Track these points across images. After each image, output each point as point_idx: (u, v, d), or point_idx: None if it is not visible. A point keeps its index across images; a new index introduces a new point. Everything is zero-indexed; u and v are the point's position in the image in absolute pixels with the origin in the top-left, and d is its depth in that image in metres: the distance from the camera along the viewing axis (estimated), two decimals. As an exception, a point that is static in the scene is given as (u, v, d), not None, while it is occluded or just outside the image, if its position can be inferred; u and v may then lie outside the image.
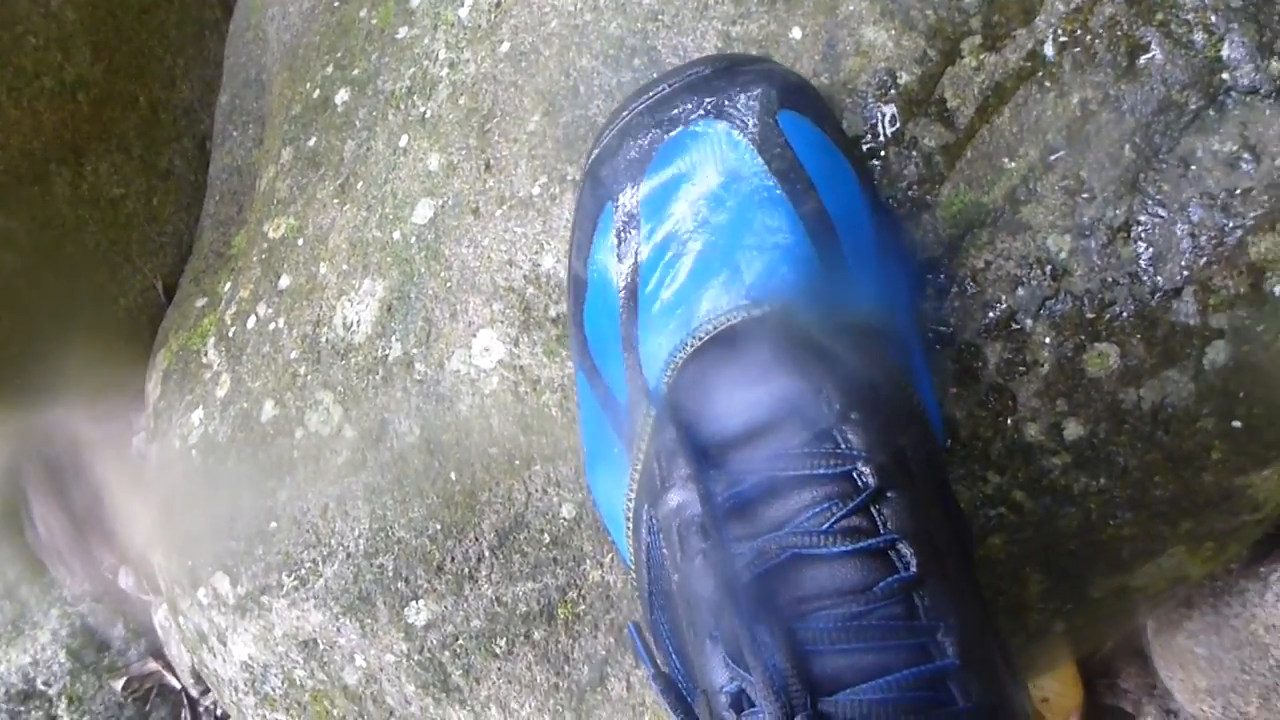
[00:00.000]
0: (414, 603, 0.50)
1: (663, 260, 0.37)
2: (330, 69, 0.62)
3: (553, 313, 0.48)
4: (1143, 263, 0.41)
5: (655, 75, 0.42)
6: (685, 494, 0.35)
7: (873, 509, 0.33)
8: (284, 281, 0.58)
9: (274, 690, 0.55)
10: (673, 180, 0.38)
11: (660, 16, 0.47)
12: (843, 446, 0.33)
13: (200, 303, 0.65)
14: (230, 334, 0.60)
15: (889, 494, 0.34)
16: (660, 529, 0.37)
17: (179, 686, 1.21)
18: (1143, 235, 0.42)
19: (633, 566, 0.40)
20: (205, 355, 0.61)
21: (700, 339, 0.36)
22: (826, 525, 0.33)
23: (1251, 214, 0.41)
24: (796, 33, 0.44)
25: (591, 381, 0.41)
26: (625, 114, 0.40)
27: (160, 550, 0.60)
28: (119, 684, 1.23)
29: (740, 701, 0.33)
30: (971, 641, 0.33)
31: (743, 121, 0.37)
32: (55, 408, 0.67)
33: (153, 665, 1.25)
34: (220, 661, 0.56)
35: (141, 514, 0.67)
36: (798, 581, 0.33)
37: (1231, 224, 0.41)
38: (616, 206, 0.39)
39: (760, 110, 0.37)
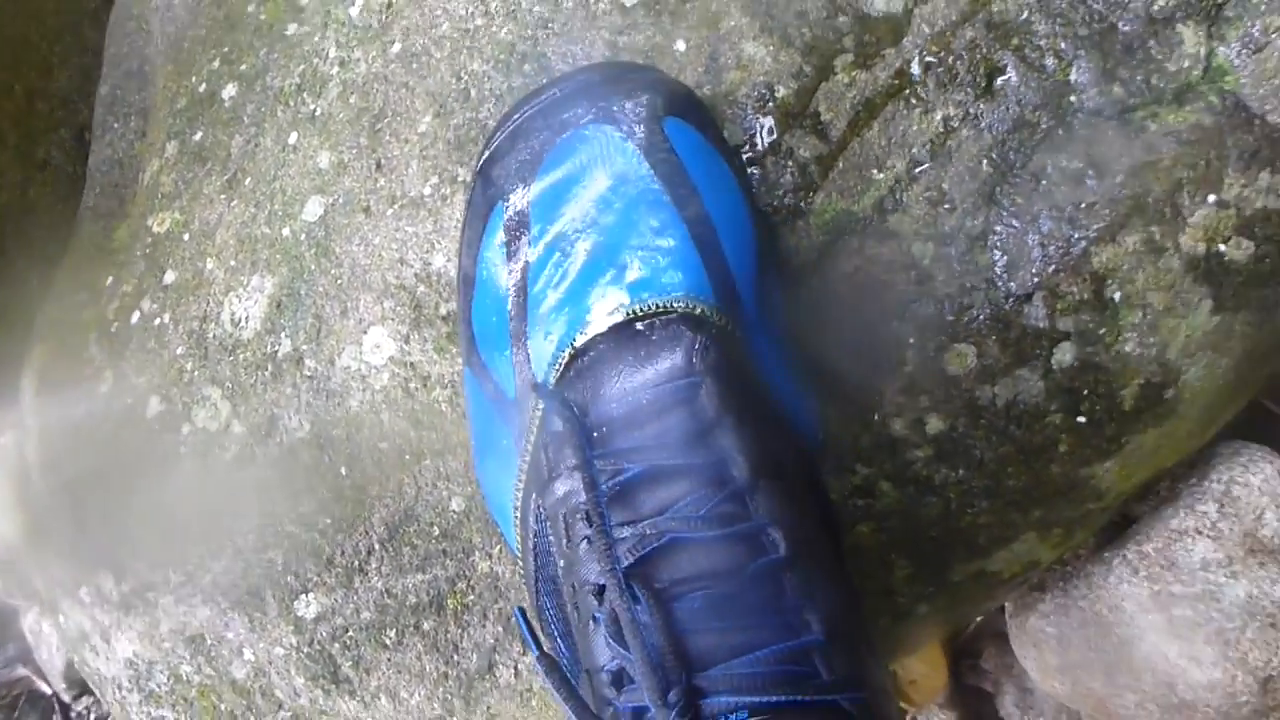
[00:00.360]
0: (303, 596, 0.50)
1: (551, 259, 0.39)
2: (217, 63, 0.62)
3: (443, 310, 0.49)
4: (998, 269, 0.45)
5: (546, 80, 0.44)
6: (571, 483, 0.37)
7: (746, 498, 0.35)
8: (169, 277, 0.58)
9: (159, 687, 0.54)
10: (562, 182, 0.40)
11: (550, 24, 0.49)
12: (720, 440, 0.35)
13: (80, 297, 0.64)
14: (113, 330, 0.60)
15: (761, 484, 0.36)
16: (547, 517, 0.38)
17: (49, 692, 1.18)
18: (998, 244, 0.45)
19: (520, 555, 0.41)
20: (87, 350, 0.61)
21: (586, 335, 0.37)
22: (703, 511, 0.35)
23: (1094, 226, 0.44)
24: (681, 45, 0.46)
25: (479, 377, 0.43)
26: (517, 116, 0.42)
27: (38, 550, 0.59)
28: (-17, 690, 1.19)
29: (621, 679, 0.35)
30: (837, 620, 0.36)
31: (630, 127, 0.39)
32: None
33: (21, 671, 1.21)
34: (103, 660, 0.56)
35: (15, 515, 0.66)
36: (675, 564, 0.35)
37: (1077, 235, 0.44)
38: (507, 206, 0.41)
39: (647, 116, 0.39)
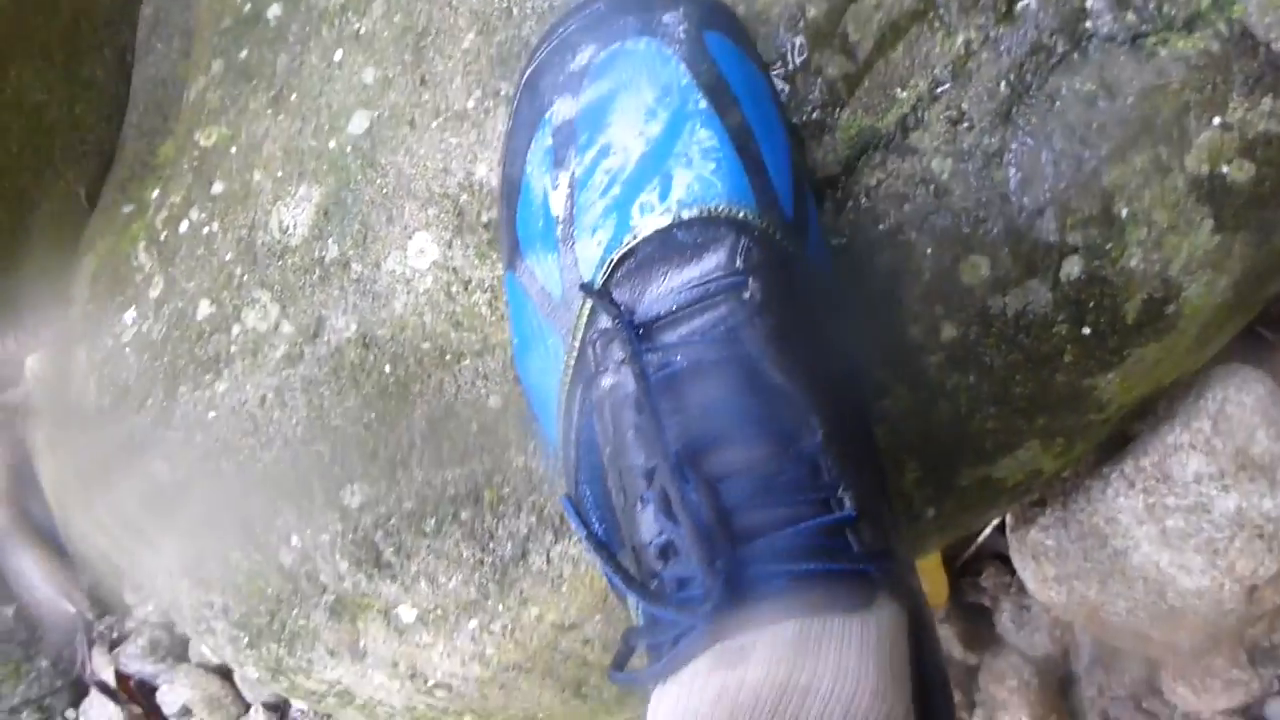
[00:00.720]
0: (349, 486, 0.54)
1: (600, 167, 0.42)
2: (258, -17, 0.64)
3: (485, 218, 0.52)
4: (1012, 185, 0.47)
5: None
6: (619, 375, 0.40)
7: (786, 389, 0.38)
8: (217, 188, 0.61)
9: (209, 574, 0.58)
10: (608, 93, 0.42)
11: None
12: (759, 333, 0.38)
13: (127, 209, 0.67)
14: (162, 238, 0.62)
15: (800, 376, 0.39)
16: (594, 408, 0.41)
17: (74, 610, 1.22)
18: (1013, 161, 0.47)
19: (560, 447, 0.44)
20: (136, 259, 0.63)
21: (635, 237, 0.40)
22: (746, 405, 0.38)
23: (1105, 146, 0.47)
24: (717, -34, 0.48)
25: (523, 279, 0.45)
26: (562, 29, 0.44)
27: (88, 438, 0.62)
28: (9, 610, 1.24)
29: (667, 551, 0.38)
30: (867, 499, 0.39)
31: (673, 39, 0.41)
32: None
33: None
34: (152, 550, 0.59)
35: (66, 419, 0.69)
36: (723, 450, 0.38)
37: (1088, 154, 0.47)
38: (554, 115, 0.43)
39: (689, 29, 0.41)
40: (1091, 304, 0.49)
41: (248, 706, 1.16)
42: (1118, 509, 0.60)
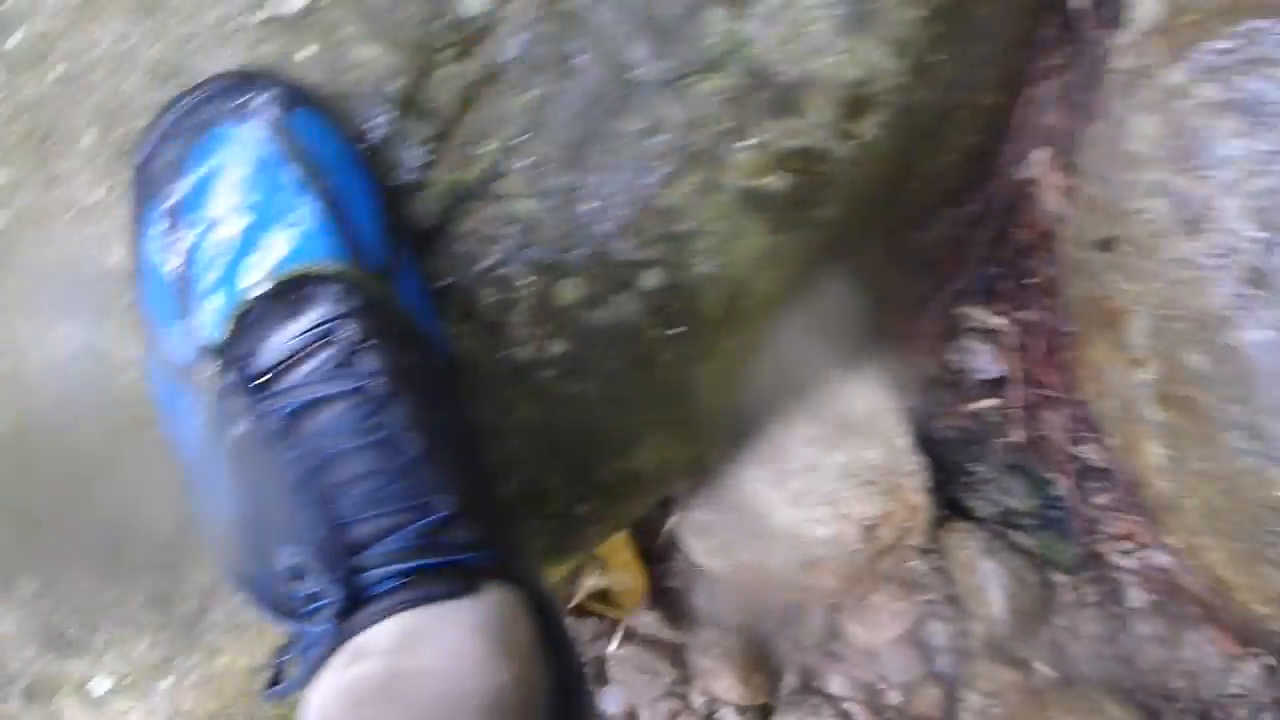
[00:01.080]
0: (20, 574, 0.56)
1: (208, 240, 0.47)
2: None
3: (125, 301, 0.55)
4: (590, 215, 0.55)
5: (182, 92, 0.51)
6: (245, 423, 0.45)
7: (387, 411, 0.44)
8: None
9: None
10: (210, 173, 0.47)
11: (191, 41, 0.56)
12: (361, 367, 0.44)
13: None
14: None
15: (399, 398, 0.45)
16: (229, 456, 0.46)
17: None
18: (588, 194, 0.55)
19: (206, 499, 0.49)
20: None
21: (246, 300, 0.45)
22: (353, 427, 0.44)
23: (661, 172, 0.56)
24: (303, 53, 0.54)
25: (158, 352, 0.50)
26: (164, 120, 0.49)
27: None
28: None
29: (298, 572, 0.43)
30: (467, 499, 0.45)
31: (262, 119, 0.47)
32: None
33: None
34: None
35: None
36: (335, 472, 0.43)
37: (649, 180, 0.56)
38: (163, 199, 0.48)
39: (277, 110, 0.47)
40: (676, 307, 0.57)
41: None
42: (751, 479, 0.69)
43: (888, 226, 0.68)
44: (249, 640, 0.56)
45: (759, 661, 0.87)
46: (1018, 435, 0.76)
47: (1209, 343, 0.61)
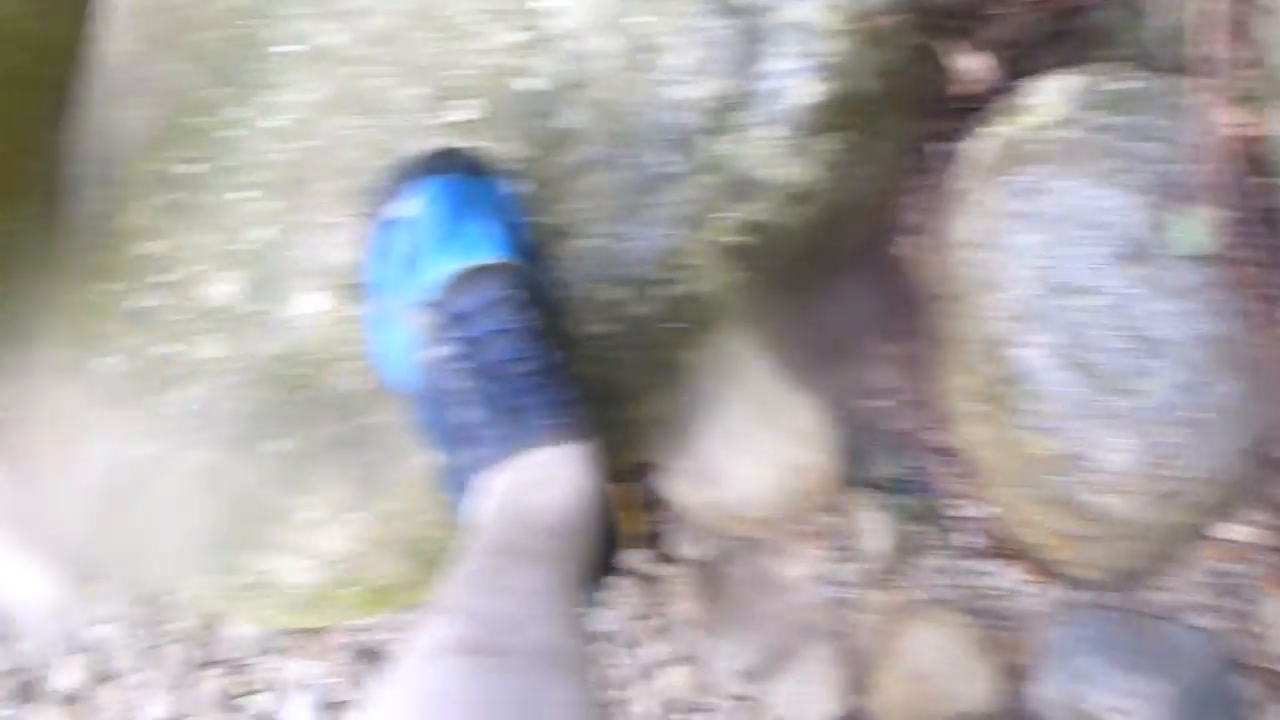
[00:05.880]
0: (279, 440, 0.92)
1: (425, 243, 0.84)
2: (180, 153, 1.03)
3: (350, 283, 0.93)
4: (632, 250, 0.94)
5: (403, 158, 0.88)
6: (450, 345, 0.82)
7: (536, 340, 0.81)
8: (165, 278, 0.98)
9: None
10: (428, 202, 0.84)
11: (399, 132, 0.95)
12: (523, 316, 0.81)
13: (83, 299, 1.03)
14: (125, 313, 0.99)
15: (542, 333, 0.82)
16: (435, 366, 0.83)
17: None
18: (629, 238, 0.94)
19: (415, 392, 0.86)
20: (103, 328, 0.99)
21: (455, 274, 0.82)
22: (518, 347, 0.81)
23: (675, 228, 0.94)
24: (467, 144, 0.93)
25: (384, 307, 0.87)
26: (397, 170, 0.86)
27: None
28: None
29: (487, 422, 0.80)
30: (573, 394, 0.82)
31: (460, 173, 0.85)
32: None
33: None
34: (143, 500, 0.95)
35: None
36: (504, 371, 0.80)
37: (667, 232, 0.94)
38: (396, 216, 0.85)
39: (470, 168, 0.85)
40: (678, 311, 0.95)
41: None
42: (711, 439, 1.07)
43: (818, 277, 1.07)
44: (419, 489, 0.93)
45: (714, 589, 1.23)
46: (899, 425, 1.14)
47: (1001, 357, 1.00)
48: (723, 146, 0.94)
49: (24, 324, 1.05)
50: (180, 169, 1.01)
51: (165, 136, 1.03)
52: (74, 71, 1.11)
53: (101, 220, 1.06)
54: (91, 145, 1.08)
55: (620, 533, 0.86)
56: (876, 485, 1.16)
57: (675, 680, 1.22)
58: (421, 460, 0.89)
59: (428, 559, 0.96)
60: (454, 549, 0.76)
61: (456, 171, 0.84)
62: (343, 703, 1.31)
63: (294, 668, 1.31)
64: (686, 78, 0.93)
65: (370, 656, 1.29)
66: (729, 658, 1.21)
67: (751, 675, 1.22)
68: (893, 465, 1.15)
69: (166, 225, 1.00)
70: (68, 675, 1.34)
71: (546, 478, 0.77)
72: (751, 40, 0.93)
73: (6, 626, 1.37)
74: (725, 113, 0.93)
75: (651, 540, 1.24)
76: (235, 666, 1.33)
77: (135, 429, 0.94)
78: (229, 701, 1.32)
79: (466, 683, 0.57)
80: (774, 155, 0.94)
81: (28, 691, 1.37)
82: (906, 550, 1.17)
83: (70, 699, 1.36)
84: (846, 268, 1.09)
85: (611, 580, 0.90)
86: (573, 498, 0.77)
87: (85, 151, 1.08)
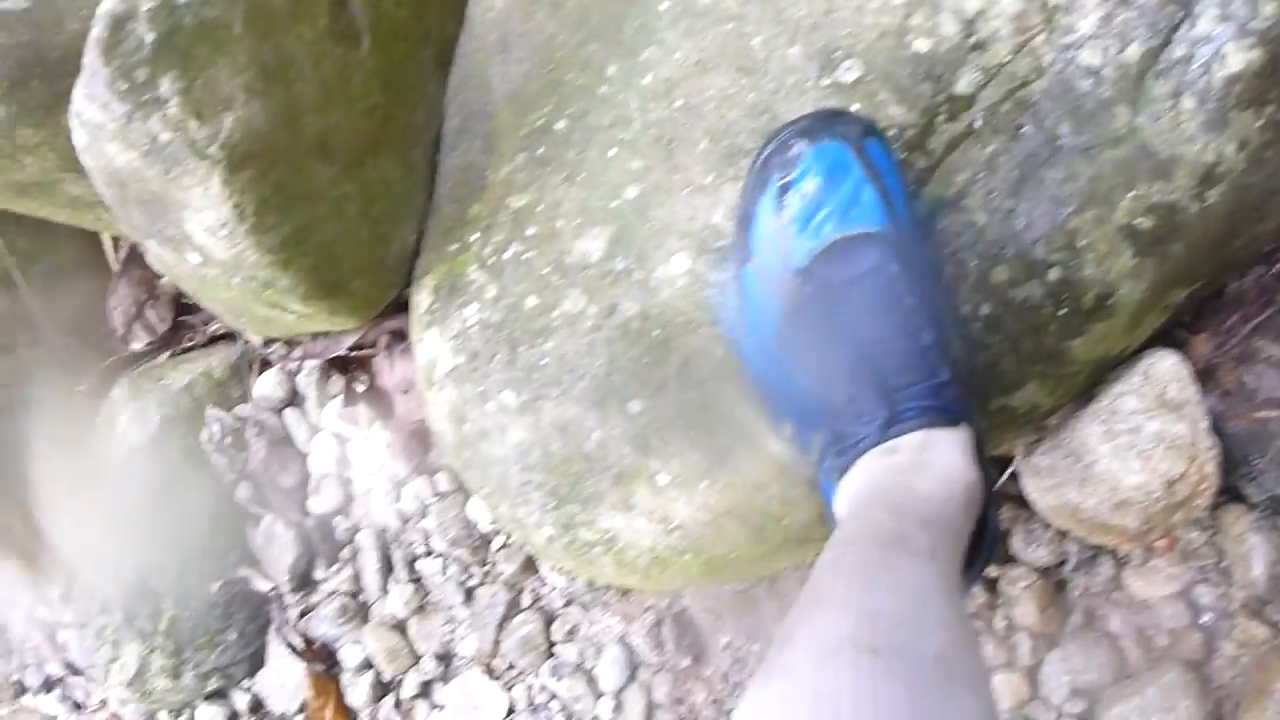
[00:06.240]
0: (631, 401, 0.91)
1: (805, 205, 0.80)
2: (549, 108, 1.04)
3: (717, 245, 0.90)
4: (1019, 231, 0.86)
5: (791, 119, 0.85)
6: (818, 317, 0.78)
7: (915, 315, 0.76)
8: (530, 231, 1.00)
9: (534, 461, 0.95)
10: (809, 168, 0.80)
11: (778, 93, 0.91)
12: (899, 288, 0.76)
13: (452, 248, 1.06)
14: (490, 263, 1.01)
15: (920, 308, 0.77)
16: (802, 338, 0.79)
17: (268, 588, 1.55)
18: (1021, 214, 0.86)
19: (775, 358, 0.82)
20: (469, 276, 1.02)
21: (826, 242, 0.79)
22: (896, 322, 0.76)
23: (1071, 206, 0.86)
24: (853, 107, 0.88)
25: (755, 269, 0.84)
26: (781, 134, 0.83)
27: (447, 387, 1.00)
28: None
29: (857, 400, 0.76)
30: (954, 372, 0.76)
31: (846, 141, 0.80)
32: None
33: (242, 572, 1.58)
34: (497, 446, 0.97)
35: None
36: (883, 346, 0.76)
37: (1063, 210, 0.86)
38: (775, 182, 0.82)
39: (855, 136, 0.80)
40: (1064, 295, 0.87)
41: (418, 657, 1.49)
42: (1087, 435, 0.98)
43: (1215, 269, 0.95)
44: (769, 463, 0.90)
45: (1055, 598, 1.14)
46: (1293, 441, 1.00)
47: None
48: (1134, 118, 0.85)
49: (395, 268, 1.10)
50: (552, 124, 1.02)
51: (539, 91, 1.04)
52: (453, 25, 1.14)
53: (473, 172, 1.08)
54: (467, 98, 1.11)
55: (998, 528, 0.79)
56: (1260, 504, 1.04)
57: (1004, 689, 1.14)
58: (775, 434, 0.86)
59: (771, 536, 0.93)
60: (824, 535, 0.72)
61: (839, 136, 0.79)
62: (647, 665, 1.31)
63: (606, 623, 1.33)
64: (1099, 41, 0.84)
65: (676, 623, 1.29)
66: (1067, 673, 1.12)
67: (1089, 694, 1.13)
68: (1282, 485, 1.02)
69: (535, 179, 1.01)
70: (399, 602, 1.42)
71: (926, 463, 0.72)
72: (1176, 1, 0.83)
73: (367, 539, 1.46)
74: (1140, 81, 0.84)
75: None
76: (547, 614, 1.37)
77: (494, 378, 0.95)
78: (538, 648, 1.36)
79: (862, 686, 0.53)
80: (1190, 129, 0.84)
81: (365, 613, 1.46)
82: (1289, 581, 1.03)
83: (399, 625, 1.44)
84: (1252, 264, 0.97)
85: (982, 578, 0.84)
86: (958, 487, 0.71)
87: (462, 104, 1.11)
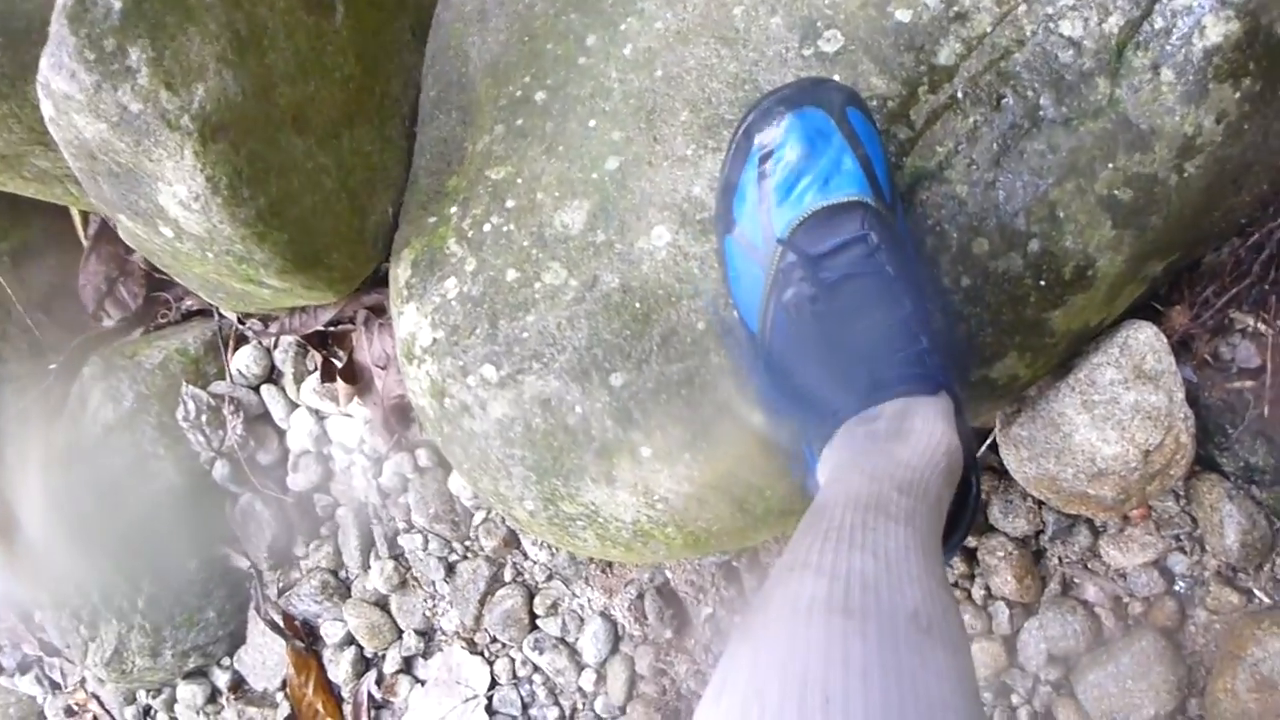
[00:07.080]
0: (613, 374, 0.91)
1: (786, 176, 0.80)
2: (528, 79, 1.03)
3: (698, 217, 0.90)
4: (1001, 199, 0.86)
5: (773, 89, 0.84)
6: (800, 286, 0.78)
7: (893, 286, 0.76)
8: (509, 203, 0.99)
9: (516, 434, 0.95)
10: (790, 136, 0.80)
11: (759, 64, 0.91)
12: (879, 259, 0.76)
13: (431, 220, 1.05)
14: (469, 235, 1.00)
15: (900, 279, 0.77)
16: (784, 308, 0.79)
17: (247, 565, 1.54)
18: (1003, 186, 0.86)
19: (759, 333, 0.82)
20: (448, 249, 1.01)
21: (807, 212, 0.78)
22: (874, 293, 0.76)
23: (1051, 178, 0.86)
24: (836, 78, 0.88)
25: (737, 239, 0.83)
26: (765, 101, 0.82)
27: (427, 365, 0.99)
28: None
29: (836, 372, 0.76)
30: (933, 340, 0.76)
31: (828, 109, 0.79)
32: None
33: (222, 550, 1.56)
34: (478, 421, 0.96)
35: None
36: (860, 317, 0.76)
37: (1042, 183, 0.86)
38: (759, 149, 0.81)
39: (837, 104, 0.80)
40: (1045, 267, 0.87)
41: (400, 633, 1.48)
42: (1064, 406, 0.99)
43: (1191, 241, 0.96)
44: (752, 436, 0.90)
45: (1032, 566, 1.15)
46: (1266, 411, 1.01)
47: None
48: (1115, 90, 0.85)
49: (373, 242, 1.08)
50: (531, 95, 1.01)
51: (518, 62, 1.03)
52: (429, -4, 1.13)
53: (451, 144, 1.07)
54: (444, 69, 1.10)
55: (980, 495, 0.80)
56: (1233, 474, 1.05)
57: (982, 656, 1.15)
58: (758, 406, 0.86)
59: (753, 508, 0.94)
60: (806, 507, 0.72)
61: (820, 104, 0.79)
62: (629, 637, 1.32)
63: (588, 596, 1.33)
64: (1080, 12, 0.84)
65: (659, 595, 1.29)
66: (1044, 640, 1.13)
67: (1065, 662, 1.14)
68: (1253, 453, 1.03)
69: (514, 151, 1.00)
70: (380, 578, 1.41)
71: (906, 430, 0.72)
72: (1157, -30, 0.83)
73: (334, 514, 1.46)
74: (1120, 52, 0.84)
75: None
76: (529, 588, 1.37)
77: (474, 353, 0.95)
78: (520, 622, 1.36)
79: (834, 645, 0.53)
80: (1169, 101, 0.84)
81: (346, 589, 1.46)
82: (1259, 548, 1.05)
83: (381, 601, 1.43)
84: (1228, 236, 0.97)
85: (962, 544, 0.85)
86: (939, 454, 0.71)
87: (439, 75, 1.10)
